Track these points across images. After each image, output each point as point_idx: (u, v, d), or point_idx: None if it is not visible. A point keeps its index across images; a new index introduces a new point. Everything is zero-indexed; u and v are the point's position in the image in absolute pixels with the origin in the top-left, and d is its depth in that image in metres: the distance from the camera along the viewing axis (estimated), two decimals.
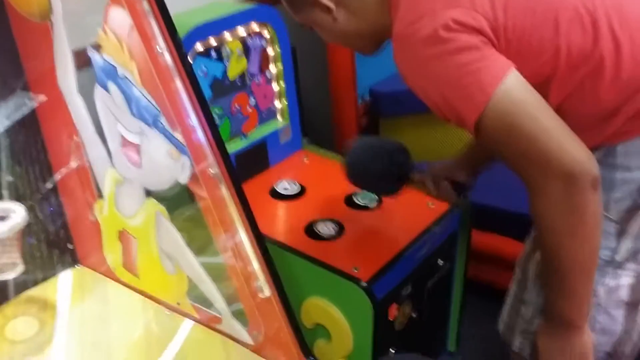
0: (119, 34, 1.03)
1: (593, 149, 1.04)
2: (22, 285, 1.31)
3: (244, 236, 1.03)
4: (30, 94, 1.24)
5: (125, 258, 1.29)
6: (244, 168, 1.72)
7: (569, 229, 0.99)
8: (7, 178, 1.24)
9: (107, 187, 1.22)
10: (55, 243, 1.35)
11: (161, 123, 1.04)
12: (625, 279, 1.11)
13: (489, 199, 1.83)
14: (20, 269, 1.18)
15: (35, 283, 1.34)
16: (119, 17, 1.01)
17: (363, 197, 1.64)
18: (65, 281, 1.36)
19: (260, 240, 1.02)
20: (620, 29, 0.99)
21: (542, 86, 1.00)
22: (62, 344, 1.21)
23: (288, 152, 1.85)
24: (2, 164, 1.23)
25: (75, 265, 1.40)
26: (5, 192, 1.23)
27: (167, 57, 0.96)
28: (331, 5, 1.13)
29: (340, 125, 2.12)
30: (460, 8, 0.98)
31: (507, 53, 0.99)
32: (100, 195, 1.26)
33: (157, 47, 0.95)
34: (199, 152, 1.00)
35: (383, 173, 1.44)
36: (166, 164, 1.07)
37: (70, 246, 1.38)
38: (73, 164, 1.25)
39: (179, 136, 1.03)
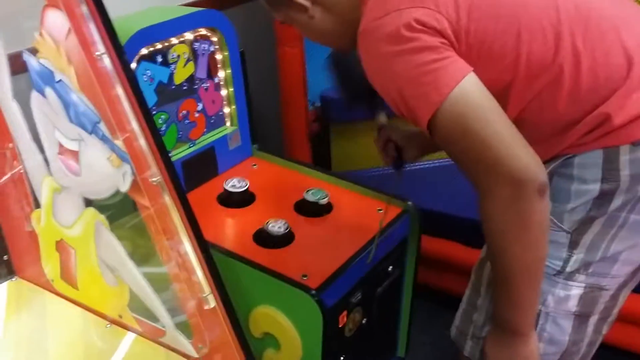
0: (56, 38, 0.99)
1: (550, 159, 1.06)
2: None
3: (188, 245, 1.00)
4: None
5: (64, 269, 1.24)
6: (191, 175, 1.68)
7: (513, 234, 0.99)
8: None
9: (44, 196, 1.18)
10: None
11: (101, 130, 1.00)
12: (575, 290, 1.11)
13: (439, 204, 1.85)
14: None
15: None
16: (57, 20, 0.97)
17: (314, 194, 1.61)
18: (0, 294, 1.30)
19: (205, 249, 0.99)
20: (582, 44, 1.00)
21: (501, 94, 1.01)
22: None
23: (237, 158, 1.82)
24: None
25: (12, 278, 1.35)
26: None
27: (107, 62, 0.93)
28: (306, 3, 1.14)
29: (291, 131, 2.11)
30: (424, 9, 0.99)
31: (467, 57, 1.00)
32: (38, 205, 1.21)
33: (97, 51, 0.92)
34: (140, 159, 0.97)
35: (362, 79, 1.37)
36: (106, 172, 1.03)
37: (5, 257, 1.32)
38: (9, 172, 1.19)
39: (119, 143, 0.99)
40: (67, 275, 1.24)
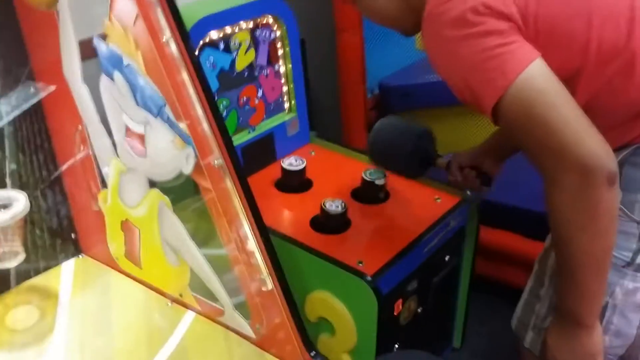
0: (124, 23, 1.02)
1: (621, 147, 1.03)
2: (24, 274, 1.31)
3: (247, 229, 1.02)
4: (36, 84, 1.23)
5: (128, 248, 1.28)
6: (250, 161, 1.71)
7: (580, 224, 0.97)
8: (11, 166, 1.23)
9: (111, 177, 1.22)
10: (58, 232, 1.35)
11: (166, 113, 1.03)
12: None
13: (498, 195, 1.81)
14: (21, 257, 1.17)
15: (38, 272, 1.34)
16: (125, 6, 1.00)
17: (371, 174, 1.61)
18: (67, 271, 1.36)
19: (264, 233, 1.01)
20: None
21: (570, 80, 0.98)
22: (63, 333, 1.21)
23: (295, 145, 1.83)
24: (7, 152, 1.22)
25: (79, 255, 1.40)
26: (8, 181, 1.23)
27: (173, 48, 0.95)
28: None
29: (349, 118, 2.10)
30: None
31: (535, 42, 0.98)
32: (105, 185, 1.25)
33: (164, 37, 0.95)
34: (203, 143, 0.99)
35: (408, 154, 1.44)
36: (170, 155, 1.06)
37: (73, 236, 1.38)
38: (78, 153, 1.24)
39: (183, 127, 1.02)
40: (131, 254, 1.29)
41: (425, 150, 1.45)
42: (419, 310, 1.55)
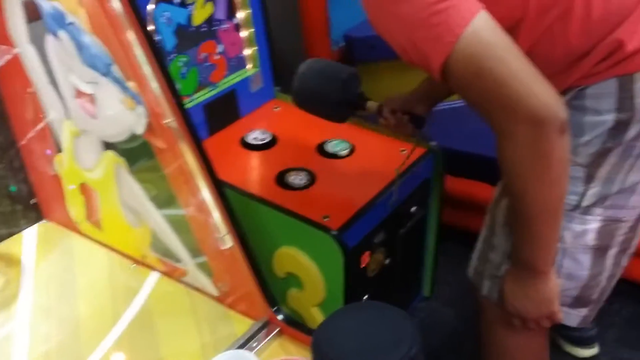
0: None
1: (562, 92, 1.03)
2: None
3: (204, 188, 1.00)
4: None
5: (89, 212, 1.27)
6: (213, 118, 1.68)
7: (535, 174, 0.98)
8: None
9: (64, 140, 1.19)
10: (18, 199, 1.33)
11: (114, 72, 1.00)
12: (592, 224, 1.10)
13: (462, 144, 1.82)
14: None
15: (1, 239, 1.32)
16: None
17: (334, 146, 1.62)
18: (30, 237, 1.35)
19: (221, 192, 1.00)
20: None
21: (511, 30, 0.97)
22: (28, 299, 1.20)
23: (259, 101, 1.81)
24: None
25: (40, 221, 1.38)
26: None
27: (117, 5, 0.91)
28: None
29: None
30: None
31: None
32: (60, 149, 1.22)
33: None
34: (154, 103, 0.97)
35: (335, 102, 1.39)
36: (121, 114, 1.04)
37: (33, 202, 1.35)
38: (29, 117, 1.21)
39: (133, 86, 0.99)
40: (92, 217, 1.27)
41: (352, 94, 1.40)
42: (387, 261, 1.57)
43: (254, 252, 1.03)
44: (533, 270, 1.08)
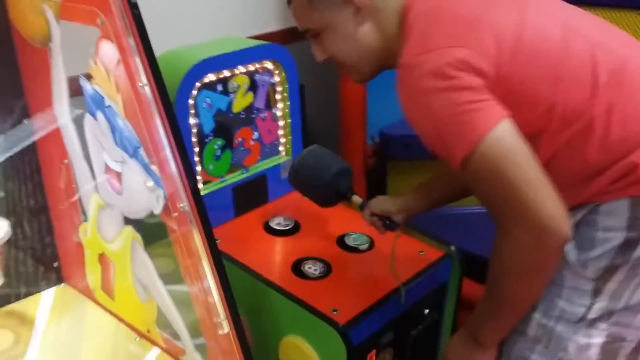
0: (107, 66, 1.07)
1: (577, 206, 1.07)
2: (5, 298, 1.35)
3: (207, 272, 1.04)
4: (31, 124, 1.29)
5: (104, 281, 1.31)
6: (242, 200, 1.74)
7: (525, 276, 1.04)
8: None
9: (90, 211, 1.26)
10: (41, 260, 1.39)
11: (140, 155, 1.07)
12: (596, 339, 1.12)
13: (482, 249, 1.81)
14: (0, 282, 1.21)
15: (19, 298, 1.37)
16: (109, 51, 1.04)
17: (354, 239, 1.64)
18: (47, 298, 1.40)
19: (223, 278, 1.03)
20: (616, 97, 1.02)
21: (533, 138, 1.02)
22: (33, 359, 1.24)
23: (289, 187, 1.85)
24: None
25: (60, 284, 1.44)
26: None
27: (149, 93, 0.99)
28: (364, 8, 1.13)
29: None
30: (468, 49, 1.01)
31: (504, 101, 1.01)
32: (85, 218, 1.29)
33: (140, 82, 0.99)
34: (172, 187, 1.03)
35: (320, 187, 1.54)
36: (143, 194, 1.09)
37: (56, 264, 1.41)
38: (62, 185, 1.29)
39: (155, 169, 1.05)
40: (106, 286, 1.32)
41: (340, 185, 1.54)
42: None
43: (247, 340, 1.05)
44: (479, 341, 1.17)
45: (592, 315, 1.10)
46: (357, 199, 1.54)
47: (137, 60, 0.98)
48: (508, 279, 1.06)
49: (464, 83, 1.00)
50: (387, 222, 1.52)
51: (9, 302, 1.36)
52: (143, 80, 0.99)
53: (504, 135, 0.99)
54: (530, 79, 1.03)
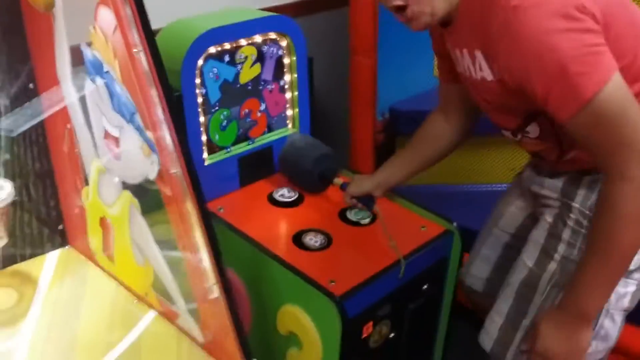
0: (105, 32, 1.08)
1: None
2: (11, 259, 1.39)
3: (199, 238, 1.05)
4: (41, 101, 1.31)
5: (105, 244, 1.34)
6: (247, 171, 1.76)
7: (636, 216, 1.05)
8: (5, 156, 1.31)
9: (92, 175, 1.28)
10: (46, 223, 1.42)
11: (136, 120, 1.09)
12: (630, 287, 1.19)
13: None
14: (3, 242, 1.25)
15: (24, 259, 1.41)
16: (106, 16, 1.06)
17: (356, 214, 1.65)
18: (51, 260, 1.43)
19: (214, 243, 1.04)
20: None
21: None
22: (34, 319, 1.27)
23: None
24: (2, 143, 1.30)
25: (65, 246, 1.47)
26: (0, 170, 1.30)
27: (144, 62, 1.00)
28: None
29: (356, 140, 2.13)
30: None
31: None
32: (87, 182, 1.32)
33: (135, 50, 1.00)
34: (165, 153, 1.04)
35: (303, 175, 1.70)
36: (139, 159, 1.11)
37: (60, 227, 1.45)
38: (66, 149, 1.31)
39: (150, 135, 1.07)
40: (107, 249, 1.35)
41: (322, 171, 1.68)
42: (392, 335, 1.56)
43: (236, 305, 1.07)
44: (582, 316, 1.13)
45: (632, 266, 1.16)
46: (337, 181, 1.67)
47: (133, 27, 0.99)
48: (622, 224, 1.06)
49: (589, 25, 1.03)
50: (364, 202, 1.63)
51: (15, 262, 1.40)
52: (138, 47, 1.00)
53: (622, 79, 1.04)
54: (621, 33, 1.08)
